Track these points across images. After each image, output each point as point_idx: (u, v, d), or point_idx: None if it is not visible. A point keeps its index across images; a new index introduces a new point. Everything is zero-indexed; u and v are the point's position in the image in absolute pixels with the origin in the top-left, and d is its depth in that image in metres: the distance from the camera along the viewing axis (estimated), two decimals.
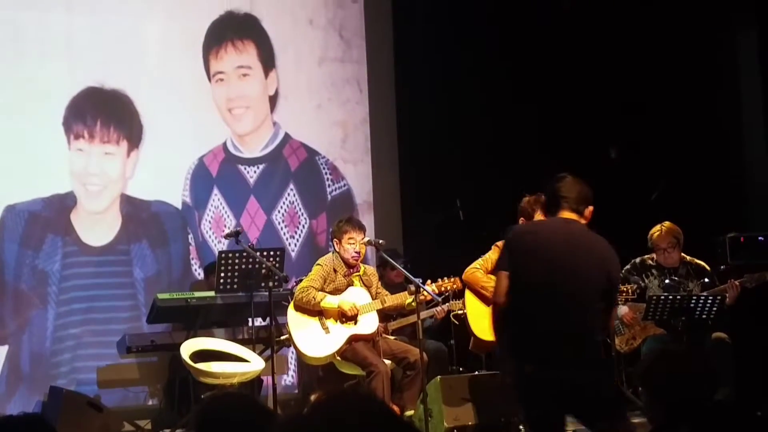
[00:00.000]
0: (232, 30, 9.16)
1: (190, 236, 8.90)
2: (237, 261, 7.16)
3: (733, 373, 7.09)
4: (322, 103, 9.38)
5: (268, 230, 9.08)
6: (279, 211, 9.17)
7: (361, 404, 2.48)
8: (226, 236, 7.33)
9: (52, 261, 8.51)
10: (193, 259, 8.90)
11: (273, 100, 9.28)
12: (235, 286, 7.17)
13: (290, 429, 2.46)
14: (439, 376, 7.13)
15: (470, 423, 7.02)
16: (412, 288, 6.76)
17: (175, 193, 8.91)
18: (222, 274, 7.18)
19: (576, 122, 8.96)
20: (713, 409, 3.52)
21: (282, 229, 9.15)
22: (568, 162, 8.97)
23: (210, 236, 8.95)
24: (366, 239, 7.04)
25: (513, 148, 9.12)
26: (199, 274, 8.80)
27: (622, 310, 7.34)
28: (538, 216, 6.81)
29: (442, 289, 7.01)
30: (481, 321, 6.92)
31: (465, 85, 9.30)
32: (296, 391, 8.34)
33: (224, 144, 9.11)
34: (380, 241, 7.10)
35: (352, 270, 7.04)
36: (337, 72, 9.41)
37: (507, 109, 9.16)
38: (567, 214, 4.80)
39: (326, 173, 9.36)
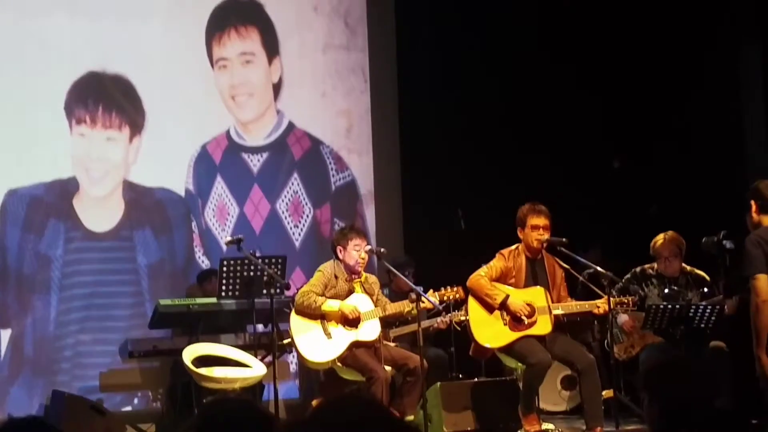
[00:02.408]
0: (236, 16, 9.08)
1: (194, 224, 8.91)
2: (239, 268, 7.19)
3: (730, 381, 7.14)
4: (326, 92, 9.30)
5: (272, 219, 9.08)
6: (283, 200, 9.16)
7: (364, 408, 2.51)
8: (228, 243, 7.33)
9: (55, 246, 8.54)
10: (196, 246, 8.92)
11: (277, 88, 9.21)
12: (237, 293, 7.21)
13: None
14: (438, 382, 7.20)
15: (469, 429, 7.11)
16: (413, 296, 6.81)
17: (178, 180, 8.91)
18: (224, 281, 7.21)
19: (580, 131, 8.93)
20: (710, 416, 3.59)
21: (286, 218, 9.15)
22: (571, 170, 9.02)
23: (213, 224, 8.96)
24: (368, 247, 7.06)
25: (516, 151, 9.08)
26: (203, 261, 8.85)
27: (622, 318, 7.39)
28: (535, 221, 6.87)
29: (445, 298, 7.03)
30: (483, 327, 6.97)
31: (470, 77, 9.23)
32: (298, 397, 8.42)
33: (227, 132, 9.07)
34: (382, 250, 7.12)
35: (353, 276, 7.06)
36: (342, 60, 9.32)
37: (511, 109, 9.11)
38: None
39: (330, 163, 9.32)
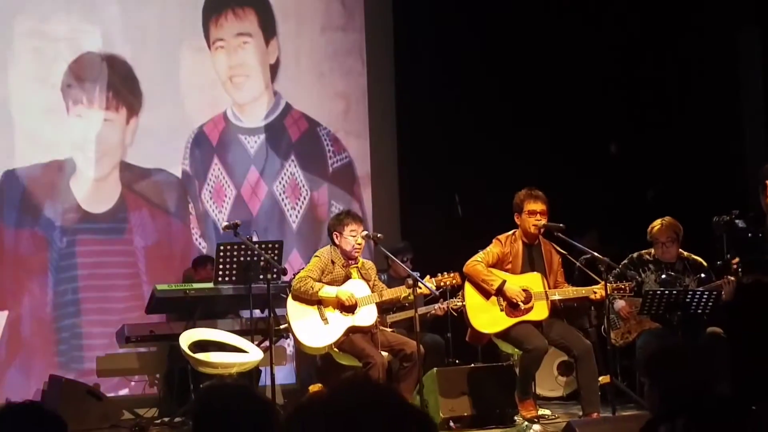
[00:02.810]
0: None
1: (191, 205, 8.90)
2: (236, 253, 7.18)
3: (728, 367, 7.14)
4: (323, 73, 9.27)
5: (269, 201, 9.07)
6: (280, 182, 9.14)
7: (374, 391, 2.51)
8: (225, 228, 7.32)
9: (52, 227, 8.53)
10: (194, 228, 8.91)
11: (274, 69, 9.18)
12: (234, 278, 7.20)
13: (309, 413, 2.48)
14: (435, 368, 7.21)
15: (466, 414, 7.13)
16: (410, 281, 6.80)
17: (175, 161, 8.89)
18: (221, 266, 7.21)
19: (577, 118, 8.89)
20: (710, 401, 3.62)
21: (283, 200, 9.14)
22: (568, 156, 8.99)
23: (211, 206, 8.95)
24: (365, 233, 7.04)
25: (515, 135, 9.04)
26: (200, 243, 8.85)
27: (619, 304, 7.38)
28: (532, 206, 6.86)
29: (441, 284, 7.03)
30: (479, 313, 6.97)
31: (466, 59, 9.19)
32: (294, 382, 8.44)
33: (225, 113, 9.04)
34: (378, 235, 7.10)
35: (350, 262, 7.05)
36: (339, 41, 9.27)
37: (510, 95, 9.06)
38: None
39: (328, 145, 9.29)
